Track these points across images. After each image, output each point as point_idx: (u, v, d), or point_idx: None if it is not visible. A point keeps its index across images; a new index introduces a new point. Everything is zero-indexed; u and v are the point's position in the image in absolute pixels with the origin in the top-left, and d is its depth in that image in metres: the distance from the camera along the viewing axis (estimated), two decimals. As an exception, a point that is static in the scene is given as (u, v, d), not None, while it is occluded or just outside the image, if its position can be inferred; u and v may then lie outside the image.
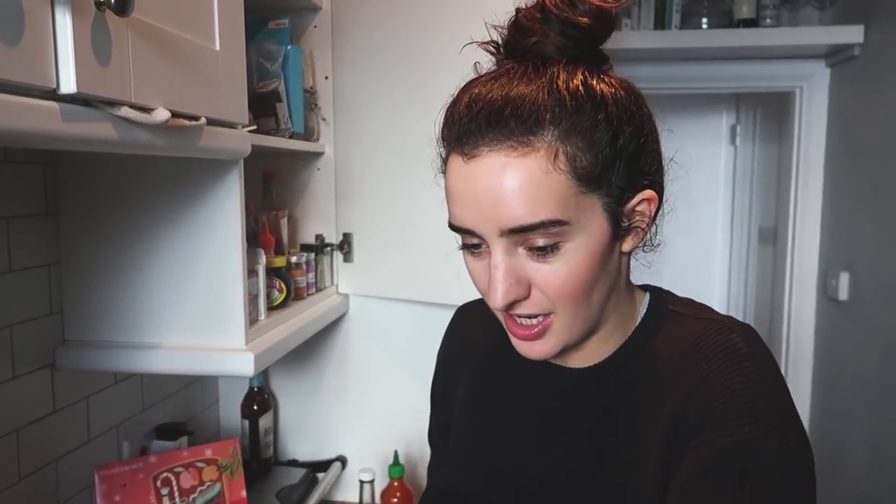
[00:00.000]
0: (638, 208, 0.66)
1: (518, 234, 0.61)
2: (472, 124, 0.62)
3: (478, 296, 0.91)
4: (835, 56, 2.30)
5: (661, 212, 0.70)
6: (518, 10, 0.65)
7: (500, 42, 0.68)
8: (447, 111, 0.67)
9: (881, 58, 2.05)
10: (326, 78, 1.54)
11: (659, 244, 0.72)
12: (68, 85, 0.60)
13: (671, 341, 0.69)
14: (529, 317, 0.66)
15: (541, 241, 0.62)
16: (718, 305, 3.16)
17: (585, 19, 0.63)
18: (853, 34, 2.13)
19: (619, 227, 0.65)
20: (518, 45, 0.66)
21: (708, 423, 0.61)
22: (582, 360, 0.74)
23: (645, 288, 0.77)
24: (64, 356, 1.10)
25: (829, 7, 2.35)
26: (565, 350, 0.70)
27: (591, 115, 0.61)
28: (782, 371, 2.29)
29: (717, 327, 0.67)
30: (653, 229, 0.70)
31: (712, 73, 2.46)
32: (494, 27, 0.68)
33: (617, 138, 0.62)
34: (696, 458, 0.61)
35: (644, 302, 0.75)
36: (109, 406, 1.24)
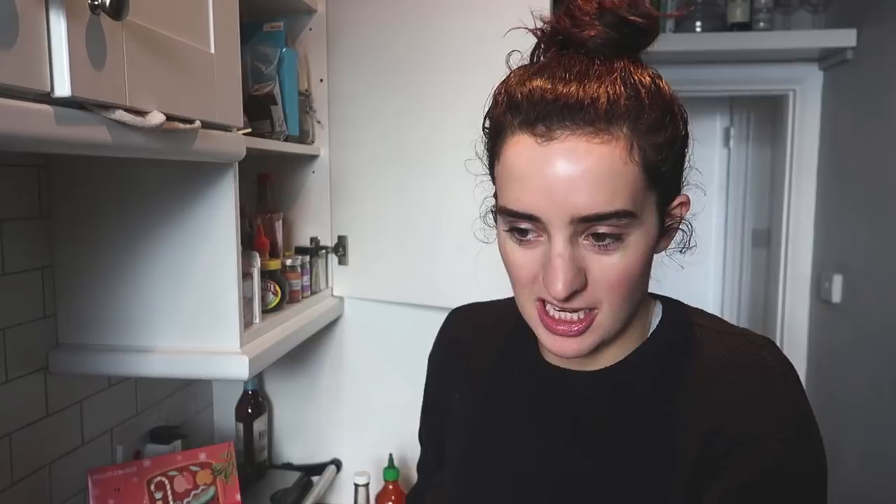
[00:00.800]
0: (675, 211, 0.67)
1: (590, 222, 0.60)
2: (549, 106, 0.59)
3: (473, 299, 0.91)
4: (828, 59, 2.31)
5: (686, 218, 0.71)
6: (572, 2, 0.64)
7: (545, 31, 0.67)
8: (505, 91, 0.64)
9: (874, 61, 2.07)
10: (321, 81, 1.54)
11: (695, 245, 0.72)
12: (63, 88, 0.60)
13: (695, 356, 0.68)
14: (575, 310, 0.64)
15: (608, 232, 0.61)
16: (712, 308, 3.18)
17: (643, 20, 0.63)
18: (846, 38, 2.14)
19: (663, 227, 0.66)
20: (570, 36, 0.64)
21: (741, 445, 0.62)
22: (591, 363, 0.72)
23: (653, 296, 0.76)
24: (57, 360, 1.09)
25: (822, 11, 2.36)
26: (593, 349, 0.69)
27: (660, 112, 0.62)
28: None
29: (747, 346, 0.67)
30: (687, 232, 0.71)
31: (706, 76, 2.47)
32: (540, 17, 0.67)
33: (677, 139, 0.64)
34: (730, 479, 0.62)
35: (657, 310, 0.74)
36: (103, 410, 1.23)
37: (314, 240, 1.55)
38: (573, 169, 0.59)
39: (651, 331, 0.72)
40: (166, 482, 1.18)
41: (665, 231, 0.67)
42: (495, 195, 0.69)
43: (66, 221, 1.09)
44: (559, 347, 0.66)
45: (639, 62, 0.65)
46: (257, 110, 1.29)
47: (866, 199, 2.09)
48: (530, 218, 0.62)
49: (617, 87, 0.60)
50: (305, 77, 1.51)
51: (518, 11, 0.72)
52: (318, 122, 1.54)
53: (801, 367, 2.50)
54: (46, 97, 0.60)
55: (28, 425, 1.06)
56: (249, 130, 1.16)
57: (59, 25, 0.59)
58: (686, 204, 0.68)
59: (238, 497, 1.25)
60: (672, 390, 0.68)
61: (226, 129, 0.98)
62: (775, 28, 2.35)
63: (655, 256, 0.69)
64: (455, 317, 0.91)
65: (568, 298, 0.62)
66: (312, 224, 1.58)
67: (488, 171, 0.70)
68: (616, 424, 0.70)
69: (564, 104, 0.59)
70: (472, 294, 0.94)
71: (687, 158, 0.68)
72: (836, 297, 2.26)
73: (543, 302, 0.65)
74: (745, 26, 2.30)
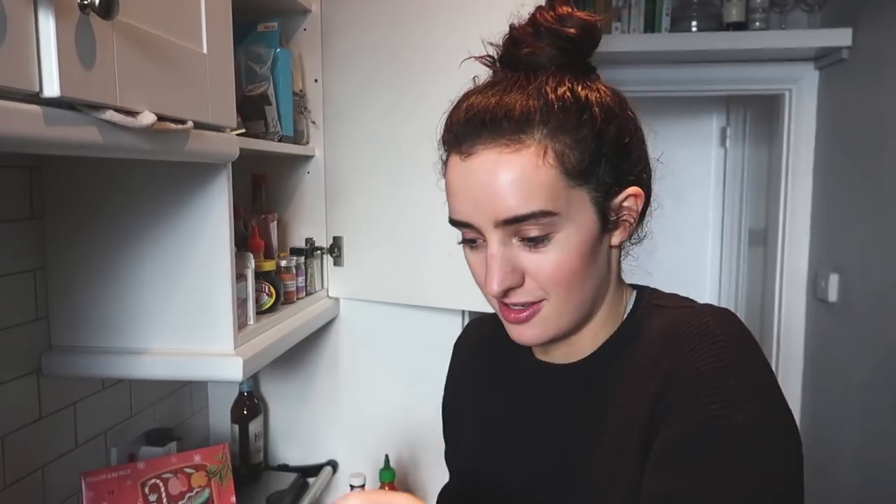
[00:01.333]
0: (625, 204, 0.71)
1: (511, 224, 0.66)
2: (469, 126, 0.67)
3: (468, 300, 0.92)
4: (823, 59, 2.31)
5: (648, 209, 0.74)
6: (512, 26, 0.71)
7: (495, 56, 0.73)
8: (447, 118, 0.72)
9: (869, 60, 2.07)
10: (316, 81, 1.54)
11: (645, 237, 0.76)
12: (52, 88, 0.59)
13: (652, 331, 0.72)
14: (518, 304, 0.70)
15: (533, 232, 0.66)
16: (709, 307, 3.17)
17: (573, 30, 0.68)
18: (841, 37, 2.14)
19: (608, 220, 0.70)
20: (512, 57, 0.71)
21: (680, 403, 0.64)
22: (572, 355, 0.77)
23: (632, 287, 0.80)
24: (50, 362, 1.08)
25: (817, 10, 2.37)
26: (556, 340, 0.74)
27: (576, 115, 0.67)
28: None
29: (692, 313, 0.70)
30: (642, 225, 0.74)
31: (702, 75, 2.47)
32: (491, 43, 0.74)
33: (601, 137, 0.67)
34: (666, 437, 0.64)
35: (630, 299, 0.78)
36: (97, 412, 1.23)
37: (309, 240, 1.54)
38: (490, 179, 0.66)
39: (623, 318, 0.76)
40: (161, 484, 1.17)
41: (616, 224, 0.71)
42: None
43: (58, 223, 1.08)
44: (517, 335, 0.73)
45: (564, 74, 0.69)
46: (251, 111, 1.28)
47: (862, 198, 2.10)
48: (466, 225, 0.69)
49: (530, 99, 0.66)
50: (300, 77, 1.51)
51: (506, 11, 0.74)
52: (313, 122, 1.54)
53: (797, 366, 2.50)
54: (35, 97, 0.59)
55: (21, 428, 1.06)
56: (243, 131, 1.16)
57: (47, 25, 0.58)
58: (638, 196, 0.71)
59: (233, 499, 1.24)
60: (633, 366, 0.71)
61: (219, 129, 0.98)
62: (771, 27, 2.35)
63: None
64: (466, 329, 0.97)
65: (505, 294, 0.69)
66: (307, 225, 1.57)
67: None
68: (593, 411, 0.73)
69: (481, 121, 0.66)
70: (466, 295, 0.94)
71: (639, 153, 0.72)
72: (833, 296, 2.26)
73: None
74: (740, 26, 2.30)
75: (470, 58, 0.75)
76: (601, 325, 0.75)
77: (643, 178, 0.72)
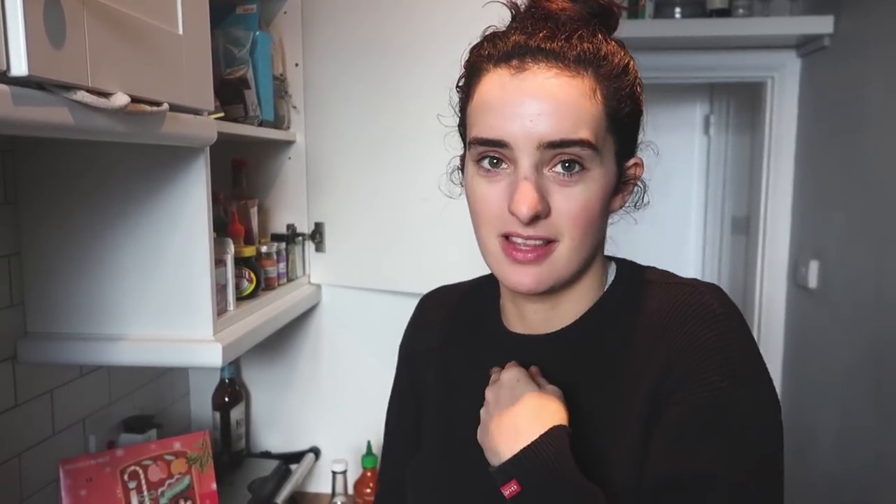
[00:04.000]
0: (630, 170, 0.72)
1: (555, 148, 0.64)
2: (525, 46, 0.66)
3: (439, 283, 0.92)
4: (805, 46, 2.32)
5: (637, 189, 0.75)
6: None
7: (518, 6, 0.72)
8: (483, 41, 0.70)
9: (850, 48, 2.08)
10: (297, 65, 1.52)
11: (648, 203, 0.76)
12: (19, 67, 0.58)
13: (647, 310, 0.71)
14: (537, 239, 0.67)
15: (573, 162, 0.65)
16: (692, 294, 3.20)
17: (607, 1, 0.70)
18: (823, 24, 2.15)
19: (619, 180, 0.71)
20: (542, 8, 0.69)
21: (687, 381, 0.65)
22: (552, 323, 0.75)
23: (608, 258, 0.79)
24: (26, 349, 1.07)
25: (800, -2, 2.37)
26: (545, 297, 0.72)
27: (622, 70, 0.68)
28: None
29: (690, 291, 0.70)
30: (633, 198, 0.75)
31: (686, 62, 2.47)
32: None
33: (633, 98, 0.70)
34: (676, 413, 0.65)
35: (611, 270, 0.78)
36: (75, 399, 1.21)
37: (290, 226, 1.53)
38: (543, 97, 0.64)
39: (605, 290, 0.76)
40: (140, 471, 1.16)
41: (621, 186, 0.72)
42: (464, 145, 0.74)
43: (32, 208, 1.06)
44: (518, 280, 0.69)
45: (606, 33, 0.70)
46: (230, 95, 1.27)
47: (842, 185, 2.11)
48: (501, 144, 0.66)
49: (583, 41, 0.66)
50: (280, 61, 1.49)
51: None
52: (294, 107, 1.52)
53: (777, 351, 2.53)
54: (2, 76, 0.58)
55: (-4, 416, 1.04)
56: (222, 115, 1.14)
57: (14, 1, 0.56)
58: (640, 166, 0.73)
59: (213, 486, 1.24)
60: (627, 343, 0.71)
61: (196, 112, 0.96)
62: (754, 15, 2.35)
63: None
64: (423, 301, 0.93)
65: (531, 222, 0.66)
66: (289, 211, 1.56)
67: (458, 125, 0.76)
68: (576, 382, 0.72)
69: (538, 47, 0.65)
70: (449, 280, 0.93)
71: (641, 129, 0.74)
72: (813, 282, 2.28)
73: (507, 237, 0.68)
74: (724, 13, 2.31)
75: (494, 0, 0.72)
76: (584, 291, 0.74)
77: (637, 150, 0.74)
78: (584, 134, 0.64)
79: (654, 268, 0.78)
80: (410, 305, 0.95)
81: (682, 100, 3.17)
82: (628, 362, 0.69)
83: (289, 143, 1.53)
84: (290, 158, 1.55)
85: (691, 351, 0.65)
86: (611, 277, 0.77)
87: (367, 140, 1.46)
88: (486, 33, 0.72)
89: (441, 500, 0.79)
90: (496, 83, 0.66)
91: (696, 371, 0.64)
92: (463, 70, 0.73)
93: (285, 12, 1.51)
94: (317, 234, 1.55)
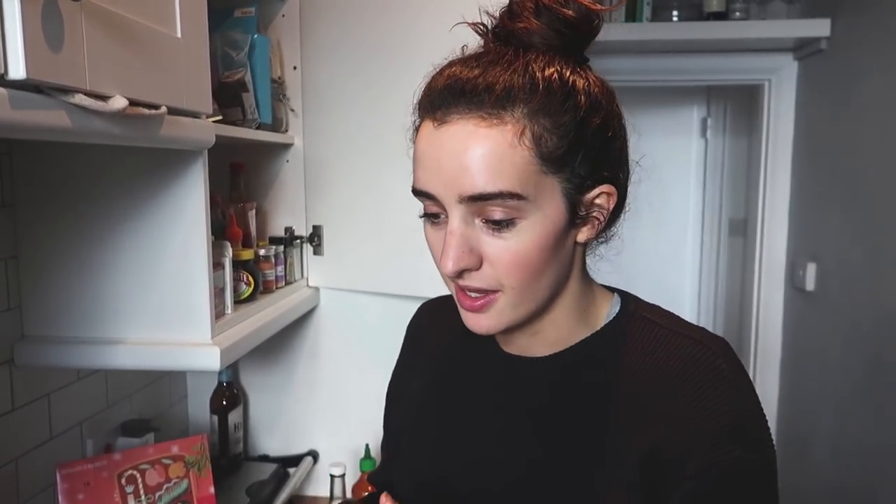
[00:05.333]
0: (597, 200, 0.68)
1: (476, 202, 0.63)
2: (447, 93, 0.64)
3: (437, 286, 0.92)
4: (802, 49, 2.32)
5: (624, 211, 0.72)
6: None
7: (488, 26, 0.71)
8: (427, 82, 0.69)
9: (847, 51, 2.08)
10: (295, 68, 1.52)
11: (612, 237, 0.73)
12: (17, 70, 0.58)
13: (650, 353, 0.69)
14: (474, 290, 0.67)
15: (497, 214, 0.63)
16: (690, 297, 3.20)
17: (573, 14, 0.66)
18: (820, 27, 2.16)
19: (577, 215, 0.67)
20: (506, 29, 0.68)
21: (701, 451, 0.64)
22: (539, 349, 0.74)
23: (611, 290, 0.77)
24: (23, 352, 1.07)
25: (796, 1, 2.38)
26: (514, 330, 0.71)
27: (560, 99, 0.64)
28: (751, 360, 2.33)
29: (701, 350, 0.68)
30: (614, 225, 0.72)
31: (683, 65, 2.48)
32: (486, 12, 0.71)
33: (584, 127, 0.64)
34: (693, 487, 0.64)
35: (613, 302, 0.75)
36: (72, 403, 1.21)
37: (289, 229, 1.53)
38: (460, 149, 0.63)
39: (606, 322, 0.73)
40: (138, 476, 1.16)
41: (585, 220, 0.68)
42: None
43: (30, 210, 1.06)
44: (471, 324, 0.69)
45: (555, 56, 0.66)
46: (228, 97, 1.27)
47: (839, 188, 2.12)
48: (428, 196, 0.66)
49: (515, 75, 0.63)
50: (278, 64, 1.49)
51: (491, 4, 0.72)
52: (292, 110, 1.52)
53: (775, 354, 2.53)
54: (0, 79, 0.58)
55: (-7, 420, 1.04)
56: (220, 118, 1.14)
57: (12, 5, 0.57)
58: (611, 195, 0.68)
59: (211, 490, 1.23)
60: (621, 386, 0.69)
61: (194, 115, 0.96)
62: (751, 18, 2.36)
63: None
64: (421, 309, 0.93)
65: (460, 275, 0.66)
66: (287, 214, 1.56)
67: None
68: (556, 411, 0.71)
69: (461, 89, 0.63)
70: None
71: (619, 151, 0.69)
72: (810, 285, 2.28)
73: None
74: (721, 16, 2.31)
75: (462, 23, 0.71)
76: (567, 320, 0.72)
77: (619, 178, 0.69)
78: (505, 186, 0.62)
79: (659, 308, 0.75)
80: (408, 308, 0.95)
81: (679, 103, 3.18)
82: (625, 405, 0.68)
83: (287, 146, 1.53)
84: (288, 161, 1.55)
85: (701, 417, 0.64)
86: (613, 311, 0.74)
87: (366, 142, 1.46)
88: (434, 69, 0.70)
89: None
90: (424, 135, 0.66)
91: (707, 439, 0.64)
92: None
93: (283, 15, 1.51)
94: (315, 237, 1.55)
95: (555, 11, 0.65)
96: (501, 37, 0.69)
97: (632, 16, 2.33)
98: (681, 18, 2.35)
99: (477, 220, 0.64)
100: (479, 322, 0.69)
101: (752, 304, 2.58)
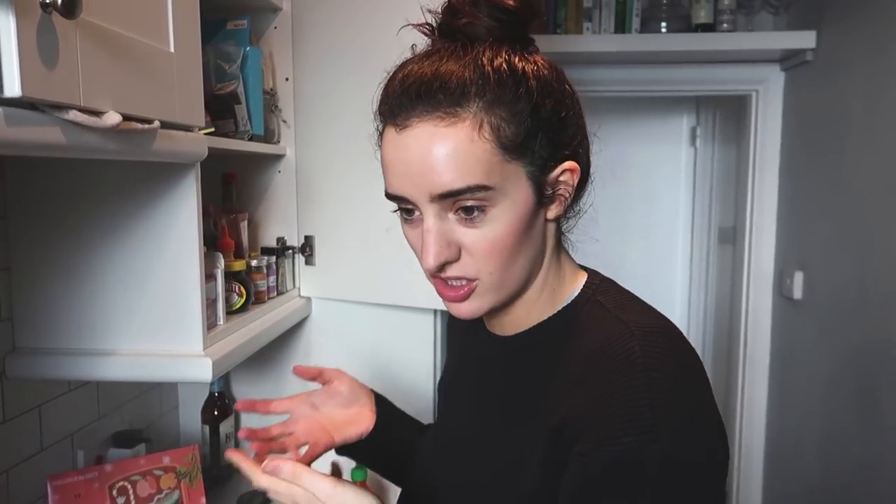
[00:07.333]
0: (561, 178, 0.71)
1: (447, 198, 0.66)
2: (404, 98, 0.67)
3: (428, 296, 0.99)
4: (789, 60, 2.35)
5: (589, 183, 0.75)
6: None
7: (434, 25, 0.73)
8: (383, 88, 0.71)
9: (832, 62, 2.11)
10: (287, 80, 1.53)
11: (580, 212, 0.76)
12: (12, 88, 0.59)
13: (586, 335, 0.70)
14: (455, 279, 0.70)
15: (469, 206, 0.66)
16: (679, 305, 3.22)
17: (512, 2, 0.68)
18: (806, 39, 2.18)
19: (544, 195, 0.70)
20: (450, 26, 0.70)
21: (592, 431, 0.63)
22: (507, 328, 0.78)
23: (584, 269, 0.79)
24: (14, 364, 1.07)
25: (783, 13, 2.41)
26: (494, 311, 0.74)
27: (512, 88, 0.66)
28: (739, 367, 2.31)
29: (622, 334, 0.67)
30: (580, 198, 0.75)
31: (672, 76, 2.50)
32: (430, 11, 0.73)
33: (538, 111, 0.67)
34: (582, 466, 0.63)
35: (578, 285, 0.76)
36: (63, 414, 1.21)
37: (280, 240, 1.53)
38: (424, 151, 0.65)
39: (564, 304, 0.75)
40: (129, 487, 1.16)
41: (552, 198, 0.71)
42: None
43: (22, 223, 1.06)
44: (455, 311, 0.73)
45: (501, 45, 0.68)
46: (221, 109, 1.27)
47: (826, 197, 2.14)
48: (401, 199, 0.69)
49: (466, 70, 0.66)
50: (270, 76, 1.50)
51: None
52: (284, 121, 1.53)
53: (763, 362, 2.54)
54: (-5, 97, 0.59)
55: (-16, 432, 1.04)
56: (212, 130, 1.15)
57: (7, 24, 0.57)
58: (574, 171, 0.71)
59: (203, 500, 1.23)
60: (557, 366, 0.71)
61: (187, 128, 0.97)
62: (738, 29, 2.39)
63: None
64: None
65: (441, 269, 0.69)
66: (279, 224, 1.56)
67: None
68: (504, 390, 0.76)
69: (417, 93, 0.66)
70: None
71: (576, 126, 0.71)
72: (798, 293, 2.30)
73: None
74: (709, 27, 2.34)
75: (408, 25, 0.74)
76: (536, 301, 0.75)
77: (579, 153, 0.72)
78: (472, 180, 0.65)
79: (621, 292, 0.76)
80: (400, 318, 0.96)
81: (669, 112, 3.20)
82: (546, 387, 0.71)
83: (279, 157, 1.54)
84: (280, 172, 1.55)
85: (601, 399, 0.63)
86: (574, 293, 0.75)
87: (357, 153, 1.46)
88: (388, 74, 0.72)
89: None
90: (388, 142, 0.69)
91: (603, 422, 0.62)
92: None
93: (276, 27, 1.52)
94: (307, 248, 1.55)
95: (494, 2, 0.68)
96: (447, 33, 0.71)
97: (621, 27, 2.36)
98: (669, 30, 2.37)
99: (450, 214, 0.68)
100: (461, 309, 0.72)
101: (740, 312, 2.60)
